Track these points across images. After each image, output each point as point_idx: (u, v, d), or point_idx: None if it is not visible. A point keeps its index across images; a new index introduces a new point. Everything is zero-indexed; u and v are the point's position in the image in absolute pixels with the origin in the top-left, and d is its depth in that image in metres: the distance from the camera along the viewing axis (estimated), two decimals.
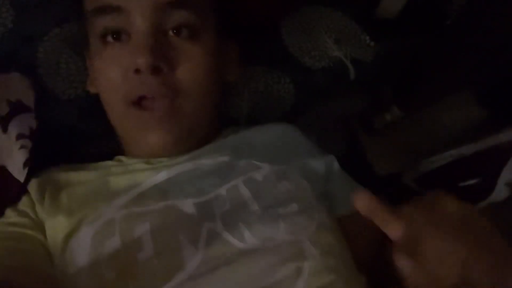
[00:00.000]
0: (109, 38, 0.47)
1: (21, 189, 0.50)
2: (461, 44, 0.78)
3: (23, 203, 0.49)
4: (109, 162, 0.53)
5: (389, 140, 0.81)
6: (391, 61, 0.74)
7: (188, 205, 0.45)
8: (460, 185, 0.70)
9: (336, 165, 0.55)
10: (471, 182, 0.70)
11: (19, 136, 0.49)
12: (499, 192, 0.68)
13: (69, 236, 0.45)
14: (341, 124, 0.74)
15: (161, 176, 0.48)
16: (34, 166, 0.51)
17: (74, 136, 0.57)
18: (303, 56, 0.66)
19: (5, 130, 0.48)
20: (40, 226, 0.47)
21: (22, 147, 0.49)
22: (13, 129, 0.49)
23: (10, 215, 0.48)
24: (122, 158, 0.53)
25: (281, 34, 0.66)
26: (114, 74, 0.47)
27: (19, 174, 0.49)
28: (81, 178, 0.50)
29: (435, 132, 0.79)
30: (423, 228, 0.32)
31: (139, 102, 0.47)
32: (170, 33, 0.47)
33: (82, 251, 0.43)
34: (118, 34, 0.47)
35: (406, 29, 0.77)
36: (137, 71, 0.45)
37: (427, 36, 0.77)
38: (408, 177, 0.73)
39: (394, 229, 0.33)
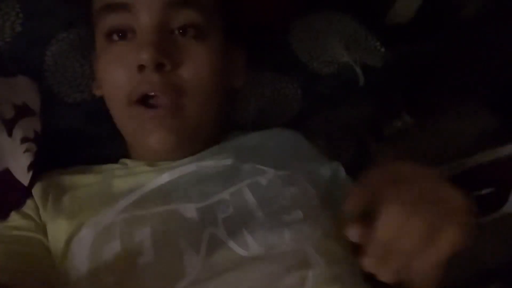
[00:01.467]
0: (115, 37, 0.47)
1: (26, 192, 0.50)
2: (474, 51, 0.77)
3: (28, 207, 0.49)
4: (113, 165, 0.53)
5: (399, 148, 0.79)
6: (402, 67, 0.72)
7: (190, 210, 0.44)
8: (473, 195, 0.69)
9: (342, 171, 0.55)
10: (484, 192, 0.68)
11: (24, 140, 0.49)
12: None
13: (70, 239, 0.44)
14: (349, 131, 0.72)
15: (164, 178, 0.48)
16: (40, 170, 0.52)
17: (80, 139, 0.57)
18: (312, 61, 0.65)
19: (10, 134, 0.48)
20: (43, 230, 0.47)
21: (26, 150, 0.49)
22: (18, 132, 0.49)
23: (15, 218, 0.48)
24: (127, 161, 0.53)
25: (289, 39, 0.65)
26: (118, 73, 0.47)
27: (24, 177, 0.49)
28: (84, 181, 0.51)
29: (446, 141, 0.77)
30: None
31: (142, 101, 0.47)
32: (176, 32, 0.47)
33: (82, 255, 0.43)
34: (123, 33, 0.47)
35: (417, 35, 0.76)
36: (140, 67, 0.45)
37: (439, 42, 0.75)
38: None
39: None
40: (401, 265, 0.31)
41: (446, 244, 0.30)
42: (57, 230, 0.46)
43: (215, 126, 0.53)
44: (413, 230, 0.30)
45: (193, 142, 0.50)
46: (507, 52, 0.75)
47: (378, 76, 0.67)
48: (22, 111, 0.50)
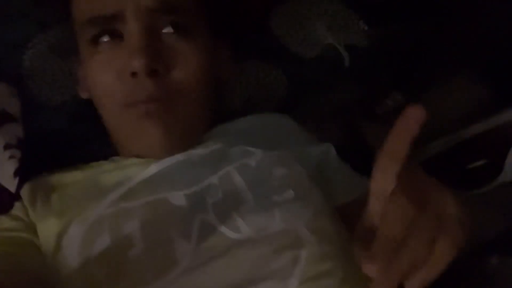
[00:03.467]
0: (102, 39, 0.47)
1: (13, 197, 0.50)
2: (463, 23, 0.76)
3: (16, 209, 0.49)
4: (102, 162, 0.53)
5: (392, 126, 0.79)
6: (387, 45, 0.72)
7: (178, 197, 0.44)
8: (467, 168, 0.68)
9: (332, 151, 0.54)
10: (478, 164, 0.68)
11: (7, 146, 0.49)
12: (507, 173, 0.66)
13: (60, 236, 0.44)
14: (339, 113, 0.72)
15: (152, 169, 0.47)
16: (27, 174, 0.51)
17: (65, 142, 0.57)
18: (295, 46, 0.64)
19: None
20: (33, 229, 0.47)
21: (11, 157, 0.49)
22: (0, 139, 0.49)
23: (3, 221, 0.48)
24: (116, 158, 0.53)
25: (271, 25, 0.64)
26: (109, 78, 0.47)
27: (10, 184, 0.49)
28: (73, 179, 0.50)
29: (439, 115, 0.77)
30: None
31: (135, 105, 0.47)
32: (163, 31, 0.47)
33: (72, 251, 0.43)
34: (109, 36, 0.47)
35: (401, 12, 0.75)
36: (133, 74, 0.45)
37: (425, 18, 0.75)
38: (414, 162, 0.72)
39: None
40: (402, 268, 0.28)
41: (441, 257, 0.28)
42: (47, 229, 0.46)
43: (205, 121, 0.53)
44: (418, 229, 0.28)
45: (184, 140, 0.49)
46: (497, 22, 0.74)
47: (364, 55, 0.67)
48: (2, 118, 0.50)
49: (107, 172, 0.49)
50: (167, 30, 0.47)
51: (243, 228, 0.41)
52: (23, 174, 0.50)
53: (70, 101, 0.56)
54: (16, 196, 0.50)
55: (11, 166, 0.49)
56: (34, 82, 0.55)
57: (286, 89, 0.64)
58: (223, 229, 0.41)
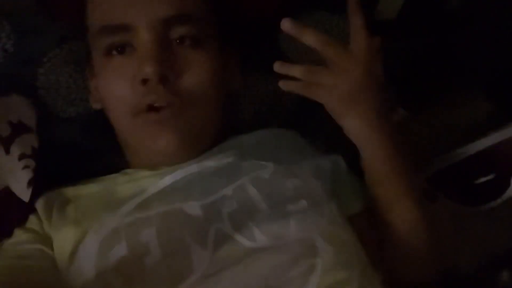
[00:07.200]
0: (114, 52, 0.48)
1: (28, 209, 0.50)
2: (467, 39, 0.77)
3: (31, 222, 0.50)
4: (115, 175, 0.53)
5: (398, 141, 0.79)
6: (392, 61, 0.73)
7: (194, 208, 0.45)
8: (475, 183, 0.68)
9: (342, 164, 0.55)
10: (486, 178, 0.68)
11: (22, 156, 0.49)
12: None
13: (75, 247, 0.45)
14: None
15: (166, 181, 0.48)
16: (40, 185, 0.52)
17: (78, 153, 0.58)
18: (302, 61, 0.65)
19: (7, 151, 0.49)
20: (47, 241, 0.47)
21: (25, 167, 0.49)
22: (16, 149, 0.49)
23: (18, 234, 0.48)
24: (128, 170, 0.53)
25: (279, 41, 0.65)
26: (120, 86, 0.48)
27: (24, 194, 0.49)
28: (88, 191, 0.51)
29: (444, 131, 0.77)
30: None
31: (146, 110, 0.48)
32: (174, 42, 0.48)
33: (88, 261, 0.43)
34: (122, 48, 0.48)
35: (405, 29, 0.76)
36: (144, 81, 0.46)
37: (429, 35, 0.76)
38: (420, 177, 0.72)
39: None
40: None
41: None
42: (63, 240, 0.46)
43: (215, 130, 0.54)
44: None
45: (195, 146, 0.50)
46: (500, 37, 0.75)
47: None
48: (18, 129, 0.50)
49: (121, 184, 0.50)
50: (178, 39, 0.48)
51: (258, 236, 0.42)
52: (37, 184, 0.51)
53: (83, 114, 0.57)
54: (31, 208, 0.50)
55: (25, 176, 0.49)
56: (49, 95, 0.56)
57: (295, 103, 0.64)
58: (239, 237, 0.42)
